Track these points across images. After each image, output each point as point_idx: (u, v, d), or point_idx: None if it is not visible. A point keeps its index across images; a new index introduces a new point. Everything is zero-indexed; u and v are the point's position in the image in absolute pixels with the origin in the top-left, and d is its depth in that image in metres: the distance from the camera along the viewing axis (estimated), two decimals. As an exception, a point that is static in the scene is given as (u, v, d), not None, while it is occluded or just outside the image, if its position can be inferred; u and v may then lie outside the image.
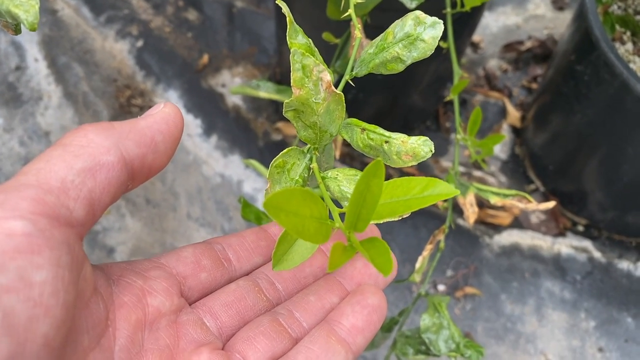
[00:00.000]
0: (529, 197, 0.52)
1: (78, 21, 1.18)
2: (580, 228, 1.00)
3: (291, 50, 0.27)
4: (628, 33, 0.82)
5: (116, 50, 1.16)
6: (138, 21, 1.19)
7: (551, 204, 0.52)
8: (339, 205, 0.29)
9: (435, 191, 0.22)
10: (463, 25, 0.82)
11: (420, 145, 0.28)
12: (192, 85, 1.11)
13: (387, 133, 0.29)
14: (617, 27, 0.82)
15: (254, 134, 1.07)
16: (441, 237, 0.54)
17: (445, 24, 0.71)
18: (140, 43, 1.16)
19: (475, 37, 1.18)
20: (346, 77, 0.32)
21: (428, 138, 0.28)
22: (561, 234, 0.99)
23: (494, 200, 0.54)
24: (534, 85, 1.13)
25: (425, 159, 0.28)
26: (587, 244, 0.99)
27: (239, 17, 1.19)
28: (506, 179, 1.04)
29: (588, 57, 0.79)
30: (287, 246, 0.24)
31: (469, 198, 0.53)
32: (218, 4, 1.21)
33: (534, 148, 1.02)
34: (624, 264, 0.97)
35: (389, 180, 0.23)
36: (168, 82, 1.12)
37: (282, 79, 1.08)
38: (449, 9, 0.60)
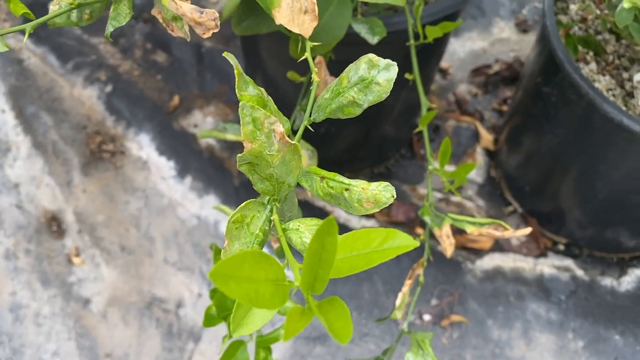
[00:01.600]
0: (504, 224, 0.52)
1: (45, 69, 1.17)
2: (561, 247, 1.00)
3: (240, 104, 0.26)
4: (591, 53, 0.83)
5: (85, 96, 1.14)
6: (106, 66, 1.18)
7: (527, 230, 0.52)
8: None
9: (394, 243, 0.21)
10: (429, 54, 0.82)
11: (381, 192, 0.27)
12: (163, 127, 1.10)
13: (346, 180, 0.28)
14: (580, 47, 0.83)
15: (229, 173, 1.05)
16: (420, 271, 0.53)
17: (409, 55, 0.72)
18: (109, 88, 1.15)
19: (444, 64, 1.20)
20: (304, 122, 0.32)
21: (389, 183, 0.28)
22: (542, 254, 0.99)
23: (470, 230, 0.53)
24: (505, 108, 1.14)
25: (387, 204, 0.27)
26: (568, 262, 0.98)
27: (208, 56, 1.19)
28: (484, 203, 1.04)
29: (554, 79, 0.80)
30: (246, 310, 0.23)
31: (445, 230, 0.52)
32: (186, 45, 1.21)
33: (509, 170, 1.02)
34: (607, 281, 0.97)
35: (347, 234, 0.22)
36: (139, 125, 1.11)
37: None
38: (412, 41, 0.61)
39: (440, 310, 0.92)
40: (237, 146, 1.08)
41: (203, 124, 1.11)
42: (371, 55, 0.29)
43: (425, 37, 0.58)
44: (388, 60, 0.28)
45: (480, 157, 1.09)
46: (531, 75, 0.88)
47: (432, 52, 0.83)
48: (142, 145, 1.09)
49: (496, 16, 1.29)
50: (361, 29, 0.54)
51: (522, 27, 1.27)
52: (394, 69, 0.28)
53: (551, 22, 0.78)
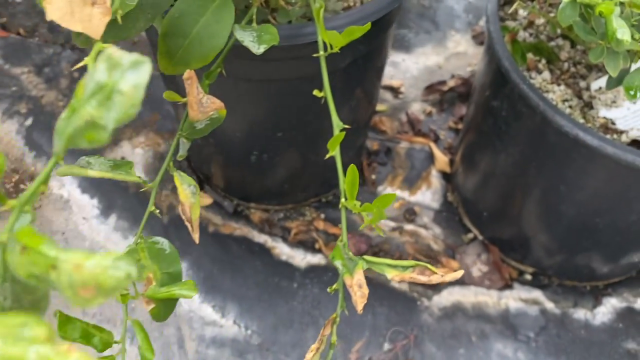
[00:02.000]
0: (431, 267, 0.42)
1: (-42, 104, 1.06)
2: (528, 277, 0.90)
3: None
4: (543, 61, 0.75)
5: (2, 132, 1.04)
6: (27, 98, 1.08)
7: (459, 274, 0.42)
8: None
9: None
10: (363, 68, 0.73)
11: (106, 271, 0.16)
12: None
13: (53, 253, 0.18)
14: (531, 55, 0.74)
15: (158, 206, 0.95)
16: (329, 330, 0.42)
17: (346, 70, 0.62)
18: (29, 121, 1.05)
19: (395, 82, 1.11)
20: (169, 156, 0.22)
21: (124, 260, 0.17)
22: (507, 286, 0.89)
23: (391, 275, 0.43)
24: (461, 126, 1.05)
25: (122, 289, 0.17)
26: (537, 294, 0.89)
27: (139, 83, 1.09)
28: (441, 230, 0.95)
29: (502, 91, 0.71)
30: None
31: (357, 277, 0.42)
32: (116, 72, 1.11)
33: (466, 193, 0.93)
34: (580, 313, 0.87)
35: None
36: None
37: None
38: (322, 52, 0.51)
39: (394, 356, 0.82)
40: (168, 179, 0.98)
41: (131, 156, 1.01)
42: (111, 50, 0.19)
43: (331, 47, 0.49)
44: (136, 56, 0.18)
45: (435, 181, 1.00)
46: (481, 89, 0.79)
47: (367, 66, 0.74)
48: (63, 183, 0.98)
49: (451, 29, 1.22)
50: (245, 37, 0.45)
51: (479, 40, 1.19)
52: (145, 68, 0.18)
53: (495, 27, 0.69)
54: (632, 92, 0.54)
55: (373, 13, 0.61)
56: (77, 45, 1.16)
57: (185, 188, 0.47)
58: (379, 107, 1.08)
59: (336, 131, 0.48)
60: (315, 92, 0.50)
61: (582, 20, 0.53)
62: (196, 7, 0.42)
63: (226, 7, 0.43)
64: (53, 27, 1.18)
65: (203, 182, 0.98)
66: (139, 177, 0.46)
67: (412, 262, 0.44)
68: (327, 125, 0.72)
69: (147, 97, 1.07)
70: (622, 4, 0.50)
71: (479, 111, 0.80)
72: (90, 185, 0.97)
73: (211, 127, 0.45)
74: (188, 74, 0.41)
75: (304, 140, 0.79)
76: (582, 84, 0.74)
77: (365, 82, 0.77)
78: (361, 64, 0.71)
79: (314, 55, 0.51)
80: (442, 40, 1.20)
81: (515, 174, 0.76)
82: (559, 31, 0.78)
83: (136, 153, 1.01)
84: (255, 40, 0.45)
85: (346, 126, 0.49)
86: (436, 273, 0.43)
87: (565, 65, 0.75)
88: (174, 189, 0.97)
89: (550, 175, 0.71)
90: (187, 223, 0.48)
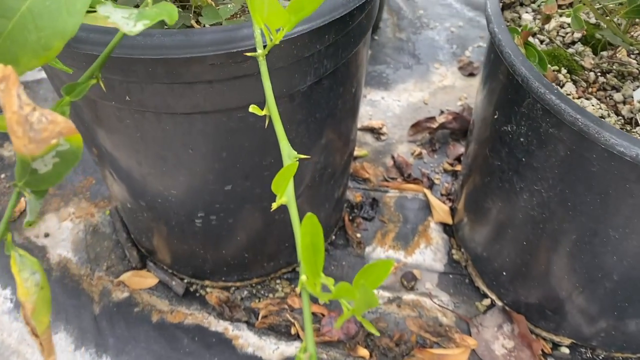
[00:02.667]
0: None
1: None
2: (565, 350, 0.70)
3: None
4: (564, 71, 0.58)
5: None
6: None
7: None
8: None
9: None
10: (332, 93, 0.56)
11: None
12: (0, 243, 0.79)
13: None
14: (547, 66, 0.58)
15: (88, 296, 0.74)
16: None
17: (308, 93, 0.45)
18: None
19: (375, 122, 0.94)
20: None
21: None
22: (542, 365, 0.69)
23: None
24: (459, 167, 0.88)
25: None
26: (580, 373, 0.68)
27: (70, 143, 0.91)
28: (449, 298, 0.75)
29: (518, 110, 0.54)
30: None
31: None
32: (43, 132, 0.93)
33: (477, 249, 0.74)
34: (640, 395, 0.67)
35: None
36: (-33, 243, 0.80)
37: (123, 219, 0.78)
38: (260, 50, 0.33)
39: None
40: (104, 256, 0.78)
41: (58, 232, 0.81)
42: None
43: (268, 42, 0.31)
44: None
45: (436, 235, 0.81)
46: (484, 116, 0.62)
47: (336, 90, 0.56)
48: (-31, 271, 0.77)
49: (434, 61, 1.06)
50: (113, 13, 0.27)
51: (468, 71, 1.04)
52: None
53: (501, 28, 0.53)
54: None
55: (337, 8, 0.44)
56: None
57: (26, 277, 0.27)
58: (360, 151, 0.90)
59: (286, 161, 0.29)
60: (253, 109, 0.32)
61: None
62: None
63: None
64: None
65: (146, 258, 0.78)
66: None
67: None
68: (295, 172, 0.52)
69: (82, 159, 0.88)
70: None
71: (485, 144, 0.63)
72: (2, 273, 0.77)
73: (65, 168, 0.26)
74: (2, 73, 0.23)
75: (263, 192, 0.60)
76: (617, 96, 0.57)
77: (337, 113, 0.59)
78: (329, 87, 0.54)
79: (247, 53, 0.33)
80: (425, 74, 1.04)
81: (544, 219, 0.57)
82: (577, 35, 0.62)
83: (64, 227, 0.81)
84: (130, 17, 0.27)
85: (302, 156, 0.30)
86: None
87: (592, 75, 0.59)
88: (111, 268, 0.77)
89: (594, 216, 0.53)
90: (32, 337, 0.28)
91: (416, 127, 0.93)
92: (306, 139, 0.57)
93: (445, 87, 1.02)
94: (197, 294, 0.75)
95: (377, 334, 0.28)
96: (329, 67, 0.51)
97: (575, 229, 0.55)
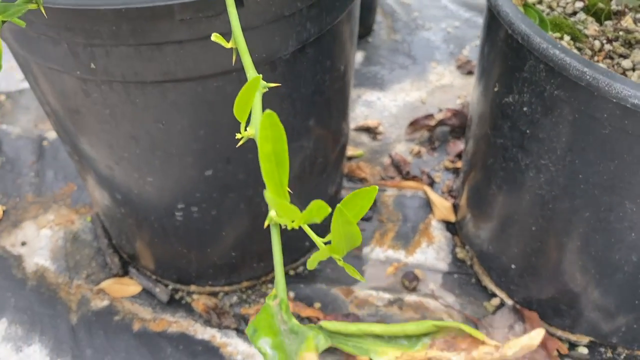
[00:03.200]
0: (470, 329, 0.18)
1: None
2: (584, 350, 0.64)
3: None
4: (567, 38, 0.54)
5: None
6: None
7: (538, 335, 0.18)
8: None
9: None
10: (318, 66, 0.52)
11: None
12: (-27, 252, 0.75)
13: None
14: (549, 32, 0.54)
15: (65, 306, 0.69)
16: None
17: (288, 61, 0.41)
18: None
19: (371, 122, 0.90)
20: None
21: None
22: (558, 367, 0.63)
23: (380, 355, 0.18)
24: (460, 165, 0.83)
25: None
26: (601, 374, 0.62)
27: (52, 150, 0.87)
28: (455, 298, 0.69)
29: (520, 74, 0.49)
30: None
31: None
32: (24, 140, 0.89)
33: (482, 245, 0.69)
34: (669, 397, 0.60)
35: None
36: (-60, 254, 0.75)
37: (104, 223, 0.73)
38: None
39: None
40: (83, 264, 0.73)
41: (36, 239, 0.76)
42: None
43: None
44: None
45: (438, 234, 0.76)
46: (483, 92, 0.58)
47: (322, 63, 0.52)
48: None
49: (431, 61, 1.03)
50: None
51: (466, 69, 1.00)
52: None
53: (496, -13, 0.49)
54: None
55: (317, -45, 0.40)
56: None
57: None
58: (355, 151, 0.86)
59: (251, 75, 0.25)
60: (215, 37, 0.28)
61: None
62: None
63: None
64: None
65: (128, 265, 0.73)
66: None
67: (429, 324, 0.19)
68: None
69: (61, 166, 0.84)
70: None
71: (486, 123, 0.58)
72: (-24, 284, 0.72)
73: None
74: None
75: (247, 179, 0.55)
76: (625, 63, 0.53)
77: (325, 90, 0.55)
78: (314, 58, 0.50)
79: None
80: (422, 73, 1.01)
81: (553, 197, 0.53)
82: (578, 5, 0.58)
83: (42, 235, 0.77)
84: None
85: (272, 84, 0.26)
86: (483, 342, 0.19)
87: (597, 43, 0.55)
88: (90, 276, 0.72)
89: (609, 188, 0.48)
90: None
91: (414, 125, 0.89)
92: (292, 118, 0.53)
93: (444, 86, 0.98)
94: (183, 301, 0.70)
95: (363, 280, 0.23)
96: (313, 32, 0.47)
97: (588, 206, 0.50)
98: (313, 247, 0.74)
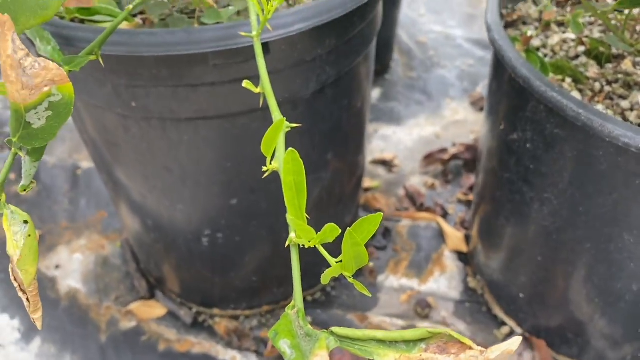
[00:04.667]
0: (459, 337, 0.21)
1: None
2: (592, 379, 0.66)
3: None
4: (568, 80, 0.58)
5: None
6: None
7: (514, 341, 0.22)
8: None
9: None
10: (336, 104, 0.56)
11: None
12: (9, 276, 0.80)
13: None
14: (551, 74, 0.58)
15: (95, 326, 0.73)
16: None
17: (309, 101, 0.46)
18: (-50, 232, 0.86)
19: (387, 155, 0.94)
20: None
21: None
22: (566, 394, 0.65)
23: (382, 357, 0.22)
24: (472, 197, 0.86)
25: None
26: (609, 403, 0.64)
27: (85, 178, 0.93)
28: (466, 326, 0.72)
29: (523, 114, 0.53)
30: None
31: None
32: (59, 169, 0.95)
33: (493, 275, 0.71)
34: None
35: None
36: (-20, 275, 0.80)
37: (134, 248, 0.77)
38: (255, 31, 0.34)
39: None
40: (112, 287, 0.77)
41: (68, 264, 0.81)
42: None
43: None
44: None
45: (450, 263, 0.79)
46: (492, 126, 0.61)
47: (340, 102, 0.57)
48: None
49: (446, 97, 1.07)
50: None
51: (479, 105, 1.04)
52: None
53: (500, 35, 0.53)
54: None
55: (335, 8, 0.45)
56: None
57: (16, 230, 0.27)
58: (371, 183, 0.90)
59: (276, 117, 0.29)
60: (246, 84, 0.32)
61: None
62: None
63: None
64: (-6, 130, 1.04)
65: (155, 288, 0.77)
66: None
67: (424, 331, 0.23)
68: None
69: (93, 194, 0.89)
70: None
71: (493, 158, 0.62)
72: (12, 303, 0.76)
73: (58, 123, 0.26)
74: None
75: (269, 208, 0.59)
76: (624, 104, 0.56)
77: (343, 128, 0.59)
78: (332, 98, 0.54)
79: (243, 33, 0.34)
80: (436, 109, 1.05)
81: (557, 229, 0.56)
82: (580, 49, 0.62)
83: (75, 259, 0.81)
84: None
85: (294, 125, 0.30)
86: (470, 347, 0.22)
87: (597, 85, 0.58)
88: (119, 299, 0.76)
89: (607, 220, 0.51)
90: (19, 293, 0.28)
91: (428, 158, 0.93)
92: (311, 152, 0.57)
93: (457, 122, 1.02)
94: (206, 324, 0.73)
95: (369, 294, 0.27)
96: (332, 74, 0.52)
97: (590, 237, 0.53)
98: (330, 274, 0.77)
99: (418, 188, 0.89)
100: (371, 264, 0.79)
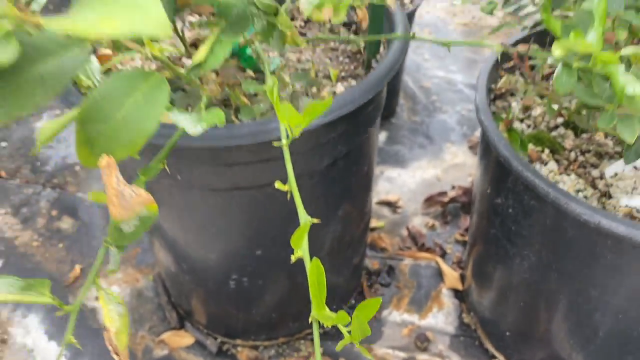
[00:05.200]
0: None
1: None
2: (570, 409, 0.75)
3: None
4: (547, 151, 0.67)
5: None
6: (1, 240, 1.01)
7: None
8: None
9: None
10: (347, 172, 0.66)
11: None
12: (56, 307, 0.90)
13: None
14: (532, 146, 0.67)
15: (132, 354, 0.83)
16: None
17: (322, 174, 0.55)
18: (0, 263, 0.97)
19: (392, 197, 1.04)
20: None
21: None
22: (547, 422, 0.73)
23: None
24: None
25: None
26: None
27: (119, 216, 1.03)
28: (460, 358, 0.81)
29: (505, 185, 0.63)
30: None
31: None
32: (96, 207, 1.05)
33: (484, 312, 0.81)
34: None
35: None
36: (28, 305, 0.90)
37: (165, 282, 0.88)
38: (284, 140, 0.44)
39: None
40: (146, 317, 0.87)
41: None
42: None
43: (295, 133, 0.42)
44: None
45: (447, 300, 0.88)
46: (482, 190, 0.71)
47: (350, 170, 0.66)
48: (29, 330, 0.87)
49: (447, 142, 1.17)
50: (180, 118, 0.38)
51: (476, 150, 1.14)
52: None
53: (486, 116, 0.63)
54: (656, 164, 0.46)
55: (346, 104, 0.55)
56: (57, 184, 1.11)
57: (111, 308, 0.37)
58: (377, 223, 0.99)
59: (302, 220, 0.39)
60: (278, 185, 0.42)
61: (579, 82, 0.46)
62: (124, 87, 0.36)
63: (160, 87, 0.37)
64: (35, 168, 1.15)
65: (184, 319, 0.87)
66: (52, 297, 0.37)
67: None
68: (314, 237, 0.63)
69: (127, 231, 0.99)
70: (628, 61, 0.43)
71: (484, 214, 0.72)
72: (59, 331, 0.86)
73: (143, 229, 0.36)
74: (105, 161, 0.33)
75: (288, 257, 0.69)
76: (595, 172, 0.66)
77: (352, 188, 0.69)
78: (343, 167, 0.64)
79: (275, 143, 0.44)
80: (438, 153, 1.14)
81: (535, 281, 0.65)
82: (559, 120, 0.72)
83: (112, 291, 0.91)
84: (193, 121, 0.38)
85: (314, 220, 0.40)
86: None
87: (572, 154, 0.68)
88: (152, 329, 0.86)
89: (575, 277, 0.60)
90: (114, 355, 0.38)
91: (429, 201, 1.02)
92: (324, 211, 0.67)
93: (457, 165, 1.12)
94: (229, 352, 0.83)
95: (371, 357, 0.36)
96: (343, 150, 0.61)
97: (562, 290, 0.63)
98: (339, 308, 0.87)
99: (419, 229, 0.98)
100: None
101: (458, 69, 1.35)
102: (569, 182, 0.63)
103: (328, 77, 0.69)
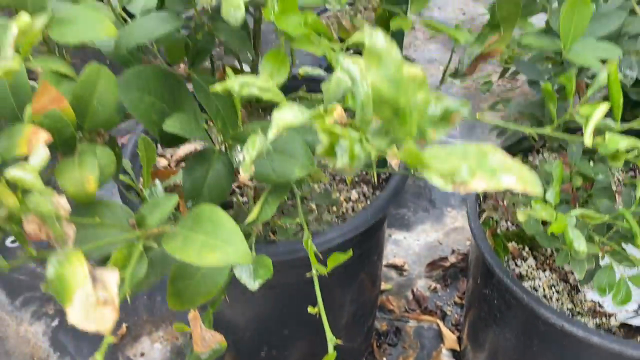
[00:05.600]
0: None
1: (-9, 309, 1.14)
2: None
3: None
4: (527, 248, 0.81)
5: (30, 333, 1.10)
6: (55, 299, 1.15)
7: None
8: None
9: None
10: (361, 264, 0.80)
11: None
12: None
13: None
14: (514, 244, 0.81)
15: (175, 407, 0.97)
16: None
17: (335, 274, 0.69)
18: (55, 322, 1.11)
19: (398, 260, 1.17)
20: None
21: None
22: None
23: None
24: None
25: None
26: None
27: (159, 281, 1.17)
28: (457, 414, 0.94)
29: (491, 282, 0.76)
30: None
31: None
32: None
33: (477, 373, 0.94)
34: None
35: None
36: (82, 361, 1.04)
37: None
38: (314, 271, 0.58)
39: None
40: (185, 374, 1.01)
41: (150, 352, 1.05)
42: None
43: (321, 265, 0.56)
44: None
45: (446, 360, 1.01)
46: (474, 277, 0.84)
47: (364, 262, 0.80)
48: (84, 384, 1.01)
49: (447, 206, 1.30)
50: (242, 274, 0.52)
51: (475, 214, 1.27)
52: None
53: (476, 224, 0.76)
54: (602, 289, 0.59)
55: (360, 225, 0.69)
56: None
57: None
58: (385, 285, 1.13)
59: (330, 349, 0.52)
60: (310, 309, 0.56)
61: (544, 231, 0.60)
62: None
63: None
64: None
65: (218, 375, 1.00)
66: None
67: None
68: (332, 318, 0.77)
69: (164, 291, 1.13)
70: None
71: (475, 294, 0.85)
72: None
73: (214, 357, 0.50)
74: (192, 315, 0.47)
75: (310, 334, 0.83)
76: (567, 267, 0.79)
77: (363, 277, 0.83)
78: (358, 262, 0.78)
79: (308, 275, 0.58)
80: (439, 217, 1.28)
81: (517, 358, 0.78)
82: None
83: (155, 348, 1.05)
84: (251, 276, 0.52)
85: (338, 341, 0.54)
86: None
87: (549, 250, 0.81)
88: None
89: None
90: None
91: (432, 265, 1.16)
92: (341, 297, 0.81)
93: (456, 229, 1.25)
94: (258, 406, 0.96)
95: None
96: (356, 254, 0.75)
97: (539, 368, 0.76)
98: (353, 367, 1.00)
99: (423, 292, 1.11)
100: (384, 359, 1.02)
101: (458, 134, 1.48)
102: (544, 278, 0.77)
103: (343, 181, 0.83)
